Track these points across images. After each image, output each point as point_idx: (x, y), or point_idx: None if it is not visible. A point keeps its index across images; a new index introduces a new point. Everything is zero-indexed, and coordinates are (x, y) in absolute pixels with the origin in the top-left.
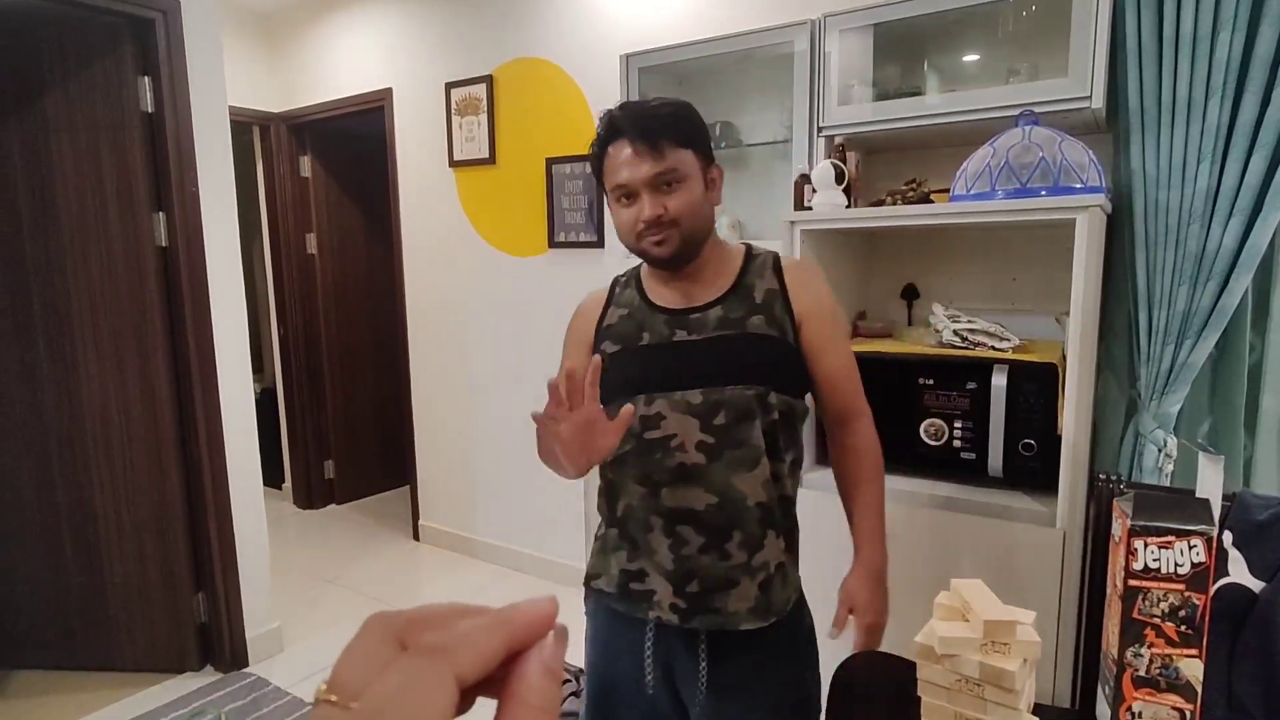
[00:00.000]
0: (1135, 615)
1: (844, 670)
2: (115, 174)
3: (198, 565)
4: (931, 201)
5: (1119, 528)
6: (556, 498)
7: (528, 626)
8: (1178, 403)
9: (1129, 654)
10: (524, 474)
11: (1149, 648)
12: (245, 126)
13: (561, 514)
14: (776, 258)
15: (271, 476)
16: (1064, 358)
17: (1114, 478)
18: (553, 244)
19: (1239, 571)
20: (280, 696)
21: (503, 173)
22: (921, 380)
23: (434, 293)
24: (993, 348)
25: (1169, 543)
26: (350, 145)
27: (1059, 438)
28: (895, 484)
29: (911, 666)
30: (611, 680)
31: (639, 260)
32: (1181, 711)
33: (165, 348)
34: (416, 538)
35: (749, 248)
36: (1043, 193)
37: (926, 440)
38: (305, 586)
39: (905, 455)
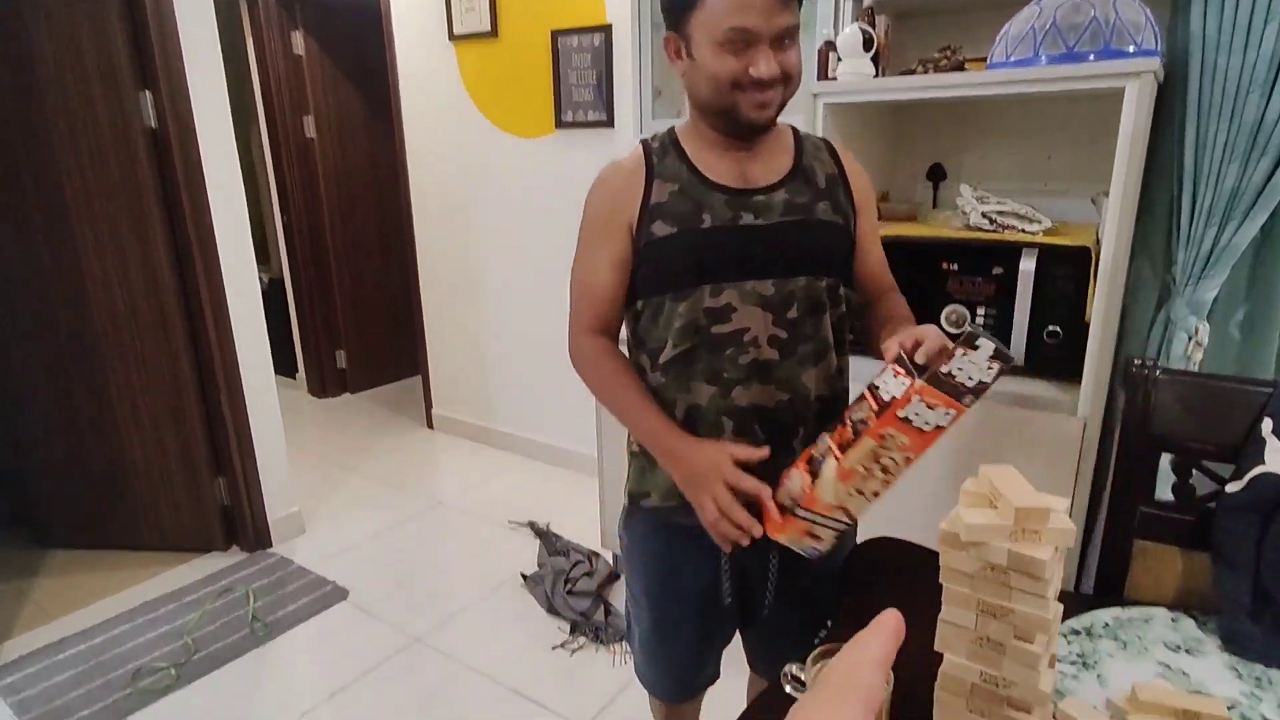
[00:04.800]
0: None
1: (858, 554)
2: (95, 50)
3: (215, 450)
4: (967, 70)
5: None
6: (566, 385)
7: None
8: (1214, 288)
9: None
10: (535, 361)
11: None
12: None
13: (572, 400)
14: (828, 142)
15: (285, 366)
16: (1098, 241)
17: (1149, 363)
18: (560, 124)
19: (1276, 461)
20: (304, 575)
21: (505, 47)
22: (945, 265)
23: (438, 177)
24: (1023, 230)
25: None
26: (344, 19)
27: (1086, 325)
28: None
29: (927, 553)
30: (680, 595)
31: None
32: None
33: (164, 234)
34: (430, 426)
35: (793, 128)
36: (1091, 57)
37: (947, 328)
38: (323, 472)
39: None
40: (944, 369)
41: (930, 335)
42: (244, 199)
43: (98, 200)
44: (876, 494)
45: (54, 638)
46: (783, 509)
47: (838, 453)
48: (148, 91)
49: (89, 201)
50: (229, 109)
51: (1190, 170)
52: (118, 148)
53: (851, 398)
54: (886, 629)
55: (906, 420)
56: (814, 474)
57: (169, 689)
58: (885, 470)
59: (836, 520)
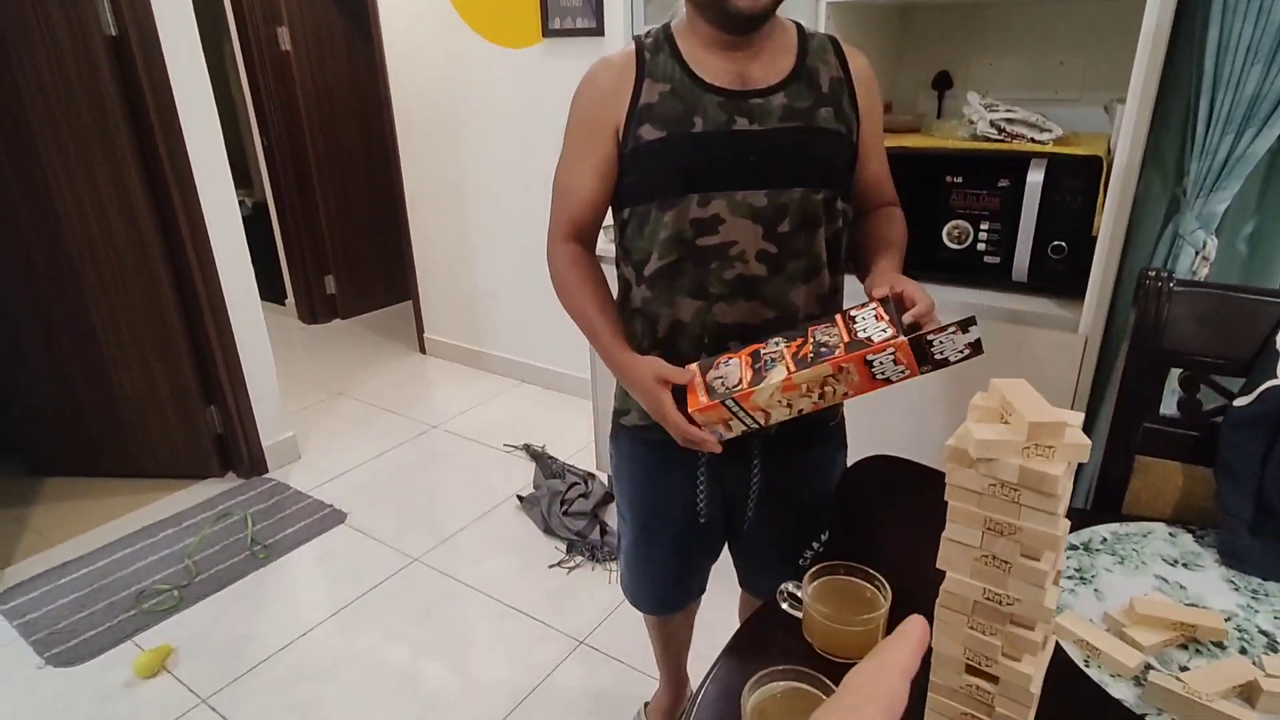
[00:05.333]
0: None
1: (853, 471)
2: None
3: (205, 378)
4: None
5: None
6: (560, 307)
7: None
8: (1226, 200)
9: None
10: (527, 285)
11: None
12: None
13: (566, 323)
14: (835, 40)
15: (273, 293)
16: (1109, 151)
17: (1165, 274)
18: (547, 32)
19: None
20: (301, 499)
21: None
22: (949, 178)
23: (421, 91)
24: (1032, 140)
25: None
26: None
27: (1093, 239)
28: None
29: (922, 469)
30: (663, 511)
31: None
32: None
33: (134, 152)
34: (423, 350)
35: (798, 24)
36: None
37: (949, 244)
38: (317, 398)
39: (924, 261)
40: (930, 337)
41: (927, 302)
42: (215, 112)
43: (62, 118)
44: (801, 411)
45: (55, 562)
46: (711, 391)
47: (791, 365)
48: None
49: (52, 119)
50: (194, 14)
51: (1210, 74)
52: (78, 58)
53: None
54: (912, 637)
55: (869, 365)
56: (756, 372)
57: (173, 609)
58: (822, 396)
59: (754, 419)
